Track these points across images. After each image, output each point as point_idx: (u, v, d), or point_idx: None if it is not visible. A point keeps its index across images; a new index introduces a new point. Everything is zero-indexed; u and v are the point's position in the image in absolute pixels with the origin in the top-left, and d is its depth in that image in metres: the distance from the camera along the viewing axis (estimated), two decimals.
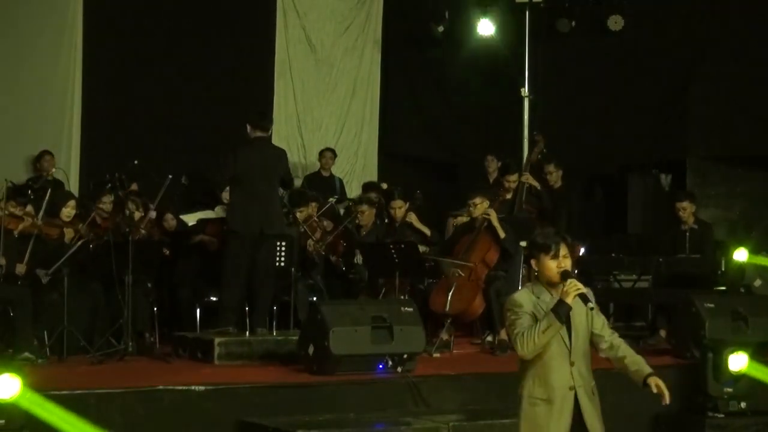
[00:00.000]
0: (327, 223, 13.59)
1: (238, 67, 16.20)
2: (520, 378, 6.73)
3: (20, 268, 11.18)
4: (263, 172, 11.53)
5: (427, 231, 12.80)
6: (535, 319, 6.53)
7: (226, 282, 11.46)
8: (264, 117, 12.02)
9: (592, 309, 6.54)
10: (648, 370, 6.64)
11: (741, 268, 13.03)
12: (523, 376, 6.70)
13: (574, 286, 6.44)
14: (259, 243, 11.45)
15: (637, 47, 16.08)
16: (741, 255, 12.80)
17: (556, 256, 6.57)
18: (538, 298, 6.61)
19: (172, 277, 12.44)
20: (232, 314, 11.40)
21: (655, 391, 6.53)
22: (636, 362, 6.69)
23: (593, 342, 6.74)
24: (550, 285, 6.62)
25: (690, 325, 11.17)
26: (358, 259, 12.86)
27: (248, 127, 11.67)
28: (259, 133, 11.67)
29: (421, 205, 13.45)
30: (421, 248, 12.57)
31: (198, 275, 12.43)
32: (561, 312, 6.43)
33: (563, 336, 6.60)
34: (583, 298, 6.51)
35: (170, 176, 12.28)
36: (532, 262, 6.69)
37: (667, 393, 6.53)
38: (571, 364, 6.60)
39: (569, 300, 6.44)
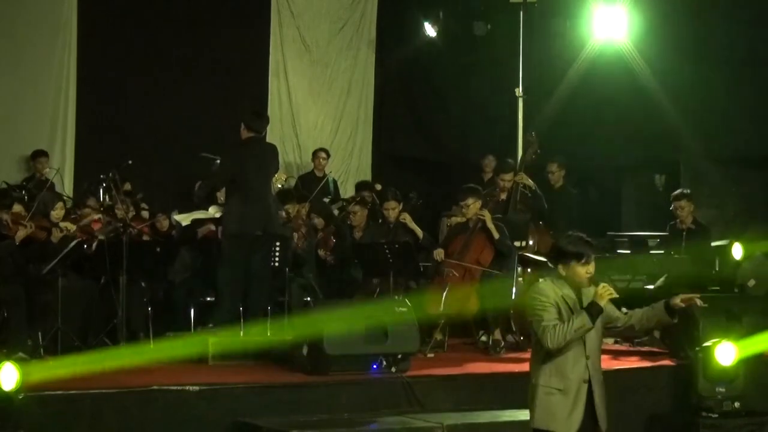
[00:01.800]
0: (318, 221, 13.59)
1: (233, 67, 16.21)
2: (534, 367, 6.99)
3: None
4: (258, 172, 11.48)
5: (419, 233, 12.77)
6: (559, 311, 6.81)
7: (224, 288, 11.42)
8: (259, 117, 11.84)
9: (626, 314, 6.95)
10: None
11: (738, 264, 13.05)
12: (539, 366, 6.96)
13: (608, 291, 6.79)
14: (258, 243, 11.41)
15: (632, 46, 16.06)
16: (737, 251, 12.79)
17: (587, 263, 6.87)
18: (561, 291, 6.89)
19: (166, 276, 12.42)
20: (228, 317, 11.39)
21: (684, 305, 6.97)
22: (649, 308, 7.09)
23: (611, 327, 7.05)
24: (575, 287, 6.93)
25: (684, 326, 11.16)
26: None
27: (242, 127, 11.61)
28: (251, 134, 11.62)
29: (416, 206, 13.44)
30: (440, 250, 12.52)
31: (193, 275, 12.41)
32: (594, 313, 6.77)
33: None
34: (616, 302, 6.90)
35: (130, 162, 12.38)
36: (560, 266, 6.94)
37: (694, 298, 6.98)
38: (587, 357, 6.89)
39: (603, 303, 6.77)
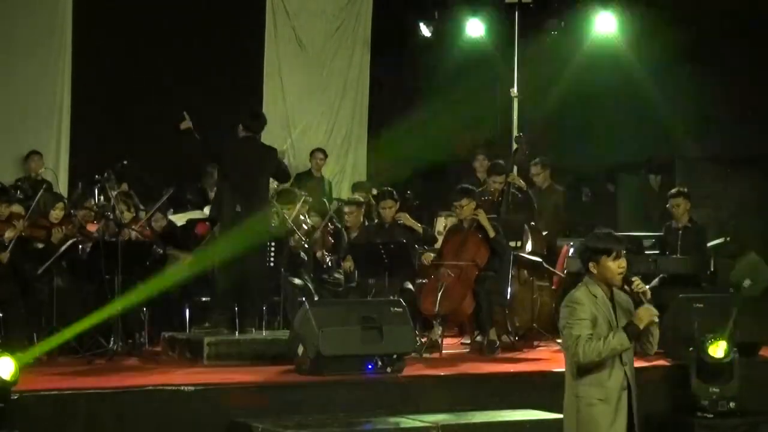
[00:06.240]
0: (313, 220, 13.58)
1: (228, 67, 16.19)
2: (571, 380, 6.89)
3: (3, 256, 11.14)
4: (250, 170, 11.48)
5: (418, 227, 12.77)
6: (594, 322, 6.71)
7: (221, 287, 11.43)
8: (256, 118, 11.86)
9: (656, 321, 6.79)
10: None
11: (733, 263, 13.07)
12: (577, 378, 6.85)
13: (649, 314, 6.72)
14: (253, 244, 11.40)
15: (626, 47, 16.10)
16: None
17: (618, 257, 6.78)
18: (596, 297, 6.80)
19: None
20: (223, 314, 11.38)
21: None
22: None
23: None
24: (607, 285, 6.83)
25: (679, 326, 11.17)
26: (349, 266, 12.76)
27: (240, 128, 11.68)
28: (247, 134, 11.68)
29: (412, 206, 13.43)
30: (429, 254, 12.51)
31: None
32: (631, 333, 6.69)
33: None
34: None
35: (171, 189, 12.37)
36: (591, 265, 6.83)
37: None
38: (624, 364, 6.83)
39: (642, 326, 6.70)
